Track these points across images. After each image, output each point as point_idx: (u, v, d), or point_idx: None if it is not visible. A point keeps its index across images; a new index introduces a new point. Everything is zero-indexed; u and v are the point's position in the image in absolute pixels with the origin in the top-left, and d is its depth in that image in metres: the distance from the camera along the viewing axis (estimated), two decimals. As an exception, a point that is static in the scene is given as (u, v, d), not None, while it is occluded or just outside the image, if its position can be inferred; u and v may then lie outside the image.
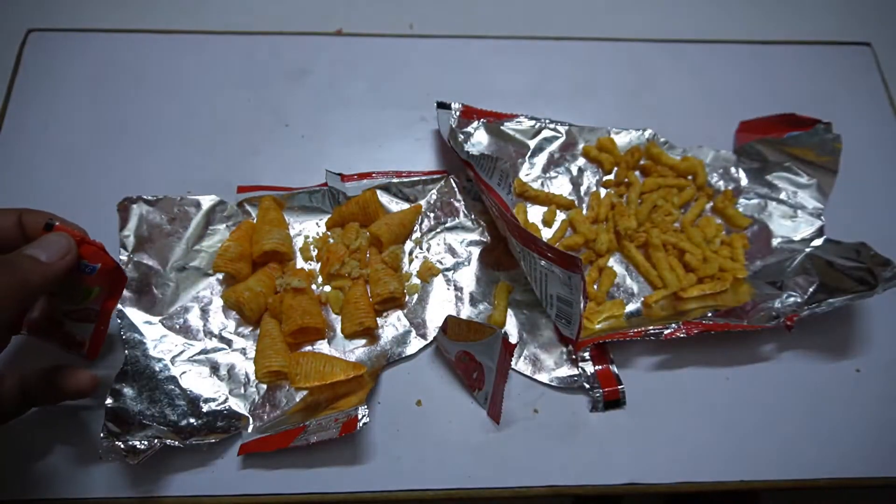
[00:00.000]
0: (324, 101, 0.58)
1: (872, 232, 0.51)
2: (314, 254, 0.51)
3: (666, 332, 0.46)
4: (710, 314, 0.47)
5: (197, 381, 0.45)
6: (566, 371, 0.47)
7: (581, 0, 0.66)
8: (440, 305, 0.50)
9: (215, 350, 0.47)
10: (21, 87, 0.56)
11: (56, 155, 0.54)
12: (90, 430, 0.44)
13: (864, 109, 0.61)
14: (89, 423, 0.44)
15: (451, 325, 0.45)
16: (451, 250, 0.52)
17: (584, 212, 0.54)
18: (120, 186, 0.52)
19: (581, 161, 0.56)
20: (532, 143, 0.56)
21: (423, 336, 0.48)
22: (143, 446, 0.40)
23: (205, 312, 0.48)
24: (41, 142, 0.54)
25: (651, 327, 0.46)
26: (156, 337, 0.46)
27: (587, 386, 0.47)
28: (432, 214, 0.53)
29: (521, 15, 0.64)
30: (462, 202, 0.53)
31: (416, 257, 0.51)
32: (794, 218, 0.53)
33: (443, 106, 0.55)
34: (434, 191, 0.54)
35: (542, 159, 0.56)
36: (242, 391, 0.45)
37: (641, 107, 0.59)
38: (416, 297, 0.50)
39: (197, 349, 0.46)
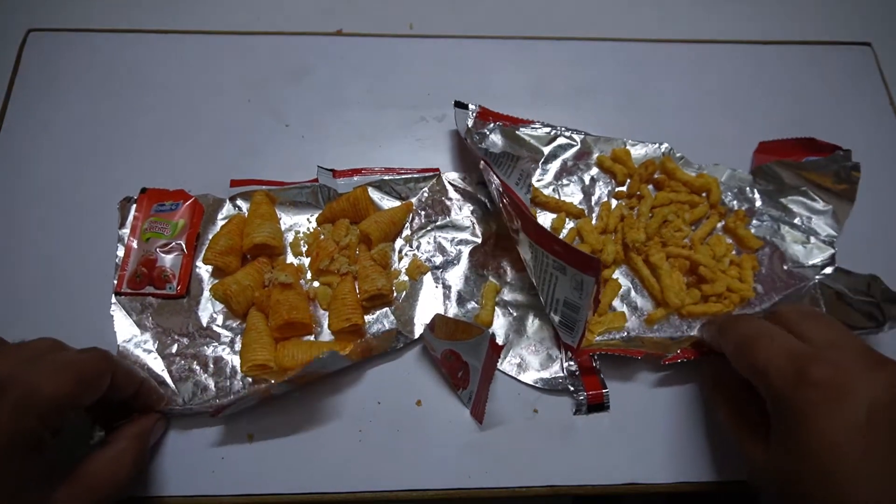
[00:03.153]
0: (324, 101, 0.58)
1: (873, 230, 0.51)
2: (304, 249, 0.51)
3: (666, 357, 0.46)
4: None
5: (184, 374, 0.46)
6: (551, 373, 0.47)
7: (581, 0, 0.66)
8: (428, 303, 0.50)
9: (203, 343, 0.47)
10: (21, 87, 0.56)
11: (56, 155, 0.54)
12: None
13: (864, 109, 0.61)
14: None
15: (439, 324, 0.45)
16: (441, 249, 0.52)
17: (594, 221, 0.53)
18: (119, 186, 0.52)
19: (594, 171, 0.55)
20: (546, 150, 0.56)
21: (410, 333, 0.48)
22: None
23: (194, 306, 0.48)
24: (41, 142, 0.54)
25: (651, 351, 0.46)
26: (146, 329, 0.47)
27: (571, 388, 0.47)
28: (423, 212, 0.53)
29: (521, 15, 0.64)
30: (453, 201, 0.53)
31: (406, 255, 0.51)
32: (807, 244, 0.53)
33: (460, 105, 0.55)
34: (426, 189, 0.54)
35: (555, 166, 0.55)
36: (228, 384, 0.46)
37: (641, 107, 0.59)
38: (404, 294, 0.50)
39: (185, 342, 0.47)
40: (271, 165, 0.54)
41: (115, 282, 0.48)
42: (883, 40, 0.64)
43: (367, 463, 0.44)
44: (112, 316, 0.47)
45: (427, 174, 0.54)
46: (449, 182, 0.54)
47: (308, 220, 0.52)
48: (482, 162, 0.49)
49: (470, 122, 0.54)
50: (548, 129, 0.56)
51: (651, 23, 0.65)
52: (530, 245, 0.45)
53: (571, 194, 0.55)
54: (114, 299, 0.48)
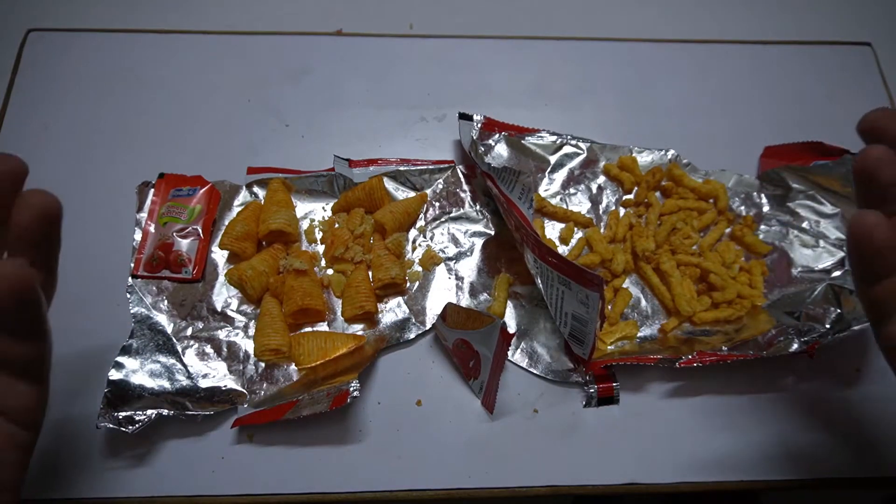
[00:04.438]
0: (324, 101, 0.58)
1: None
2: (319, 237, 0.52)
3: (681, 360, 0.45)
4: (724, 349, 0.46)
5: (197, 357, 0.46)
6: (562, 365, 0.47)
7: (581, 0, 0.66)
8: (440, 294, 0.50)
9: (217, 327, 0.48)
10: (21, 87, 0.56)
11: (56, 155, 0.54)
12: (89, 429, 0.44)
13: (864, 109, 0.60)
14: (88, 421, 0.44)
15: (451, 313, 0.45)
16: (455, 240, 0.52)
17: (602, 230, 0.53)
18: (119, 185, 0.52)
19: (601, 179, 0.55)
20: (553, 159, 0.55)
21: (423, 323, 0.49)
22: (140, 416, 0.42)
23: (209, 290, 0.49)
24: (41, 142, 0.54)
25: (665, 356, 0.46)
26: (161, 312, 0.48)
27: (582, 381, 0.47)
28: (437, 204, 0.53)
29: (521, 15, 0.64)
30: (468, 193, 0.54)
31: (420, 245, 0.52)
32: (816, 247, 0.52)
33: (465, 117, 0.55)
34: (440, 180, 0.54)
35: (561, 175, 0.55)
36: (241, 368, 0.46)
37: (641, 107, 0.59)
38: (417, 284, 0.50)
39: (199, 326, 0.47)
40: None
41: (132, 265, 0.49)
42: (883, 40, 0.64)
43: (367, 463, 0.44)
44: (128, 298, 0.48)
45: (442, 166, 0.54)
46: (463, 174, 0.54)
47: (323, 208, 0.53)
48: (483, 174, 0.49)
49: (475, 134, 0.54)
50: (554, 138, 0.56)
51: (651, 23, 0.65)
52: (535, 260, 0.45)
53: (579, 203, 0.54)
54: (130, 281, 0.48)
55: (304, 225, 0.52)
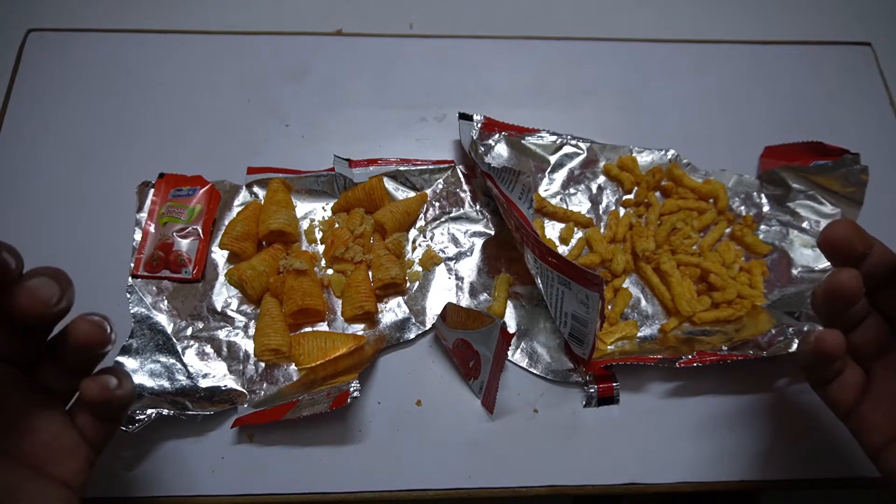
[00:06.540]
0: (324, 101, 0.58)
1: (874, 230, 0.51)
2: (319, 237, 0.52)
3: (681, 360, 0.45)
4: (724, 349, 0.46)
5: (197, 357, 0.46)
6: (562, 365, 0.48)
7: (581, 0, 0.66)
8: (441, 294, 0.50)
9: (217, 327, 0.48)
10: (21, 87, 0.56)
11: (56, 155, 0.54)
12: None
13: (864, 109, 0.61)
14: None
15: (451, 313, 0.45)
16: (455, 240, 0.52)
17: (602, 230, 0.53)
18: (119, 185, 0.52)
19: (601, 179, 0.55)
20: (552, 159, 0.55)
21: (422, 323, 0.49)
22: (140, 416, 0.42)
23: (209, 290, 0.49)
24: (41, 142, 0.54)
25: (665, 355, 0.46)
26: (161, 312, 0.48)
27: (582, 381, 0.47)
28: (437, 204, 0.53)
29: (521, 15, 0.64)
30: (468, 193, 0.54)
31: (420, 245, 0.52)
32: (816, 247, 0.52)
33: (465, 117, 0.54)
34: (440, 180, 0.54)
35: (561, 175, 0.55)
36: (241, 368, 0.46)
37: (641, 107, 0.59)
38: (416, 284, 0.50)
39: (199, 326, 0.47)
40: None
41: (132, 265, 0.49)
42: (883, 40, 0.64)
43: (367, 463, 0.44)
44: (128, 298, 0.48)
45: (442, 166, 0.54)
46: (463, 174, 0.54)
47: (323, 208, 0.53)
48: (483, 174, 0.49)
49: (475, 134, 0.54)
50: (554, 138, 0.56)
51: (651, 23, 0.65)
52: (535, 260, 0.45)
53: (579, 203, 0.54)
54: (130, 281, 0.48)
55: (304, 225, 0.52)
